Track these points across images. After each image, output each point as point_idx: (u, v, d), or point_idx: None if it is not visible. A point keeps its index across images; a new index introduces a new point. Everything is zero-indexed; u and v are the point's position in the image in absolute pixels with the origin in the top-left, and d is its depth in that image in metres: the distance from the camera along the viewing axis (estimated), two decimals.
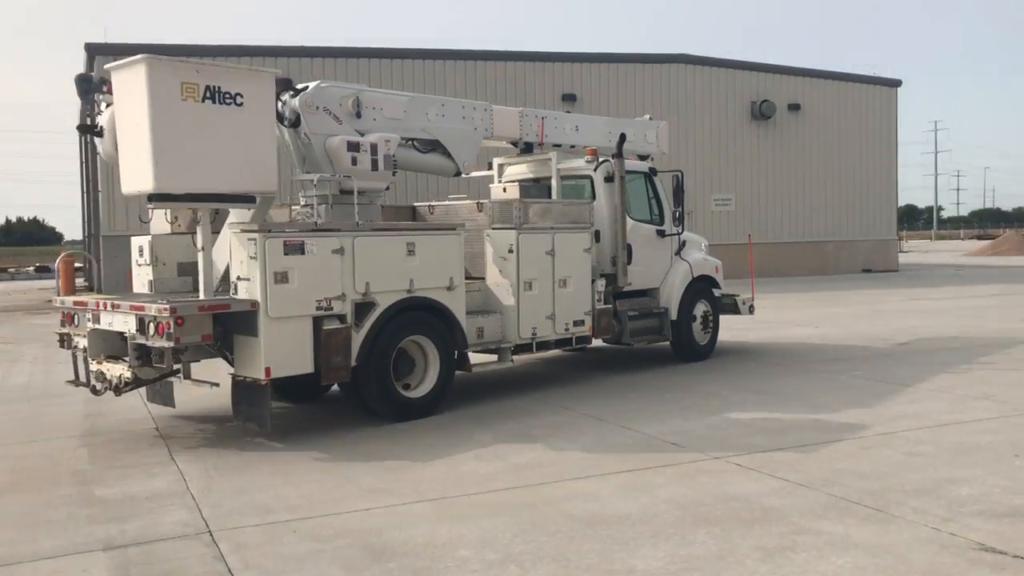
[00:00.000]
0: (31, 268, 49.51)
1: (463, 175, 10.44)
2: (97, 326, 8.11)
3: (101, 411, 9.39)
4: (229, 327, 7.65)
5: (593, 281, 10.55)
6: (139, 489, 6.60)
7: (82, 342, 8.36)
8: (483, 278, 9.88)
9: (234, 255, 7.74)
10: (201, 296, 7.80)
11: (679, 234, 12.30)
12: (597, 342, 11.33)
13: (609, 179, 11.26)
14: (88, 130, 8.69)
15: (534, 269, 9.82)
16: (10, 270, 48.43)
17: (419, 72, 26.58)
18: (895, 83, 36.04)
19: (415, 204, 11.23)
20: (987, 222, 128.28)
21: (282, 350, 7.60)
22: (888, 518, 5.59)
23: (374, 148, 8.70)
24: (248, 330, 7.54)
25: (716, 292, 12.75)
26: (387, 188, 9.21)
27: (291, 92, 8.70)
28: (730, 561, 4.93)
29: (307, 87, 8.75)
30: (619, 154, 11.18)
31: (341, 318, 7.99)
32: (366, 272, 8.18)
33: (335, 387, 8.77)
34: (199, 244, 7.91)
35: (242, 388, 7.67)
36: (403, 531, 5.55)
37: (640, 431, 8.09)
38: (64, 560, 5.21)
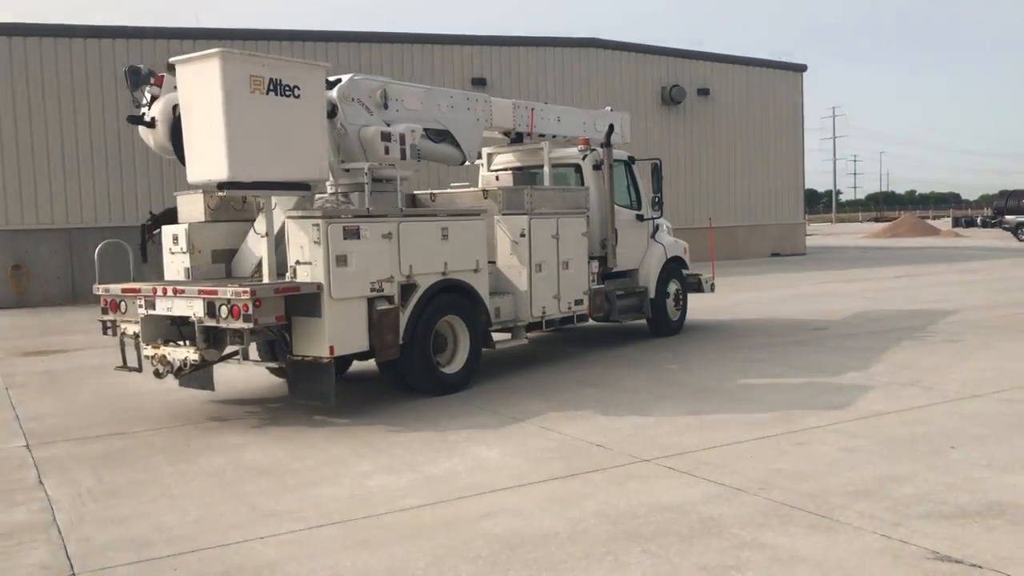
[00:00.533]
0: None
1: (468, 163, 11.00)
2: (151, 312, 8.22)
3: None
4: (289, 310, 7.86)
5: (588, 263, 11.17)
6: None
7: (131, 328, 8.54)
8: (493, 261, 10.27)
9: (293, 240, 8.06)
10: (265, 280, 8.11)
11: (656, 218, 13.15)
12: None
13: (597, 167, 12.01)
14: (138, 121, 8.67)
15: (543, 252, 10.47)
16: None
17: (322, 54, 25.47)
18: (801, 68, 36.51)
19: (415, 192, 11.44)
20: (883, 205, 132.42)
21: (343, 329, 8.02)
22: (834, 525, 5.18)
23: (402, 138, 9.09)
24: (311, 311, 7.91)
25: (683, 272, 13.61)
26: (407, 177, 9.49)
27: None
28: None
29: (340, 79, 9.03)
30: (608, 143, 11.94)
31: (390, 299, 8.46)
32: (409, 255, 8.67)
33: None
34: (262, 230, 8.24)
35: (302, 368, 8.02)
36: (302, 564, 4.88)
37: (563, 432, 7.57)
38: None
